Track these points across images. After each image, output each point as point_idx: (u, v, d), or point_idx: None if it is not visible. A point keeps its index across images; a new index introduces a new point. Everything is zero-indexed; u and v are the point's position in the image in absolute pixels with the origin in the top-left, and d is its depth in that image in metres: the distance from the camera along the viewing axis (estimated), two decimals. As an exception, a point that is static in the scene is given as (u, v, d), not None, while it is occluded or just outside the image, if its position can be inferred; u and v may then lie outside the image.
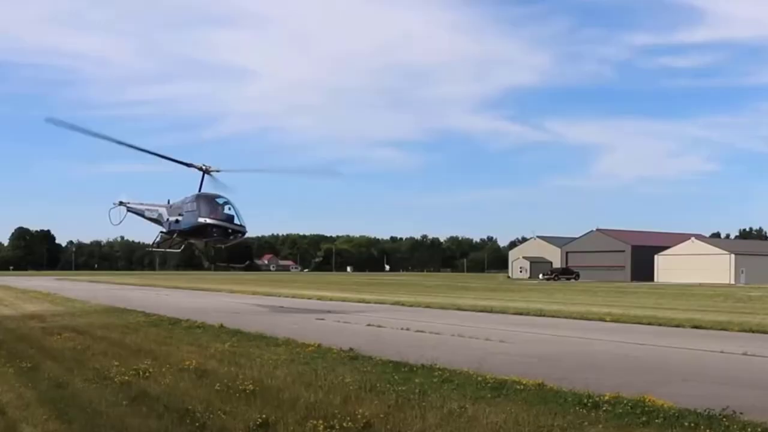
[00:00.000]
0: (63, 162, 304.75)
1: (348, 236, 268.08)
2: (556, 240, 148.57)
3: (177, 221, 31.66)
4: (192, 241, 32.91)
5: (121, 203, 36.32)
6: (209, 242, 31.99)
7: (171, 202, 33.28)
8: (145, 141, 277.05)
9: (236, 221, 30.29)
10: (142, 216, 35.29)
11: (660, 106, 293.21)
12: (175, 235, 32.42)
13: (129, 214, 36.22)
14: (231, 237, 30.52)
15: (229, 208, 30.42)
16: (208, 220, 29.93)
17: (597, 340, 20.22)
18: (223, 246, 32.06)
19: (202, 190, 31.27)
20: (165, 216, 32.93)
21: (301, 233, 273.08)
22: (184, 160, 31.89)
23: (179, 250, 34.86)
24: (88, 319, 26.29)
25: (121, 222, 36.53)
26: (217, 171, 31.41)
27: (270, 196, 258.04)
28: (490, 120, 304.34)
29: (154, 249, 36.08)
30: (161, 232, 33.50)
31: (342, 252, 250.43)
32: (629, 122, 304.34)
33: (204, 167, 31.29)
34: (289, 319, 27.36)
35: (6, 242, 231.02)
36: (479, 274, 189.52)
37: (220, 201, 30.58)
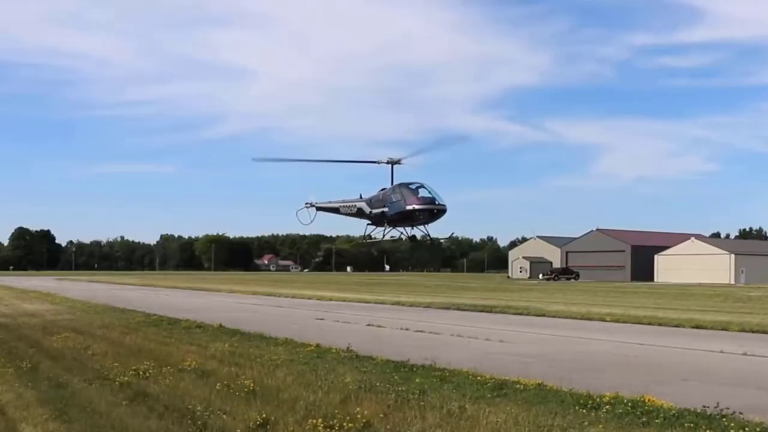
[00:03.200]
0: (63, 162, 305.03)
1: (348, 236, 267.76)
2: (556, 240, 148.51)
3: (383, 212, 34.54)
4: (399, 226, 35.24)
5: (311, 204, 38.80)
6: (416, 224, 34.61)
7: (364, 197, 36.23)
8: (145, 141, 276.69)
9: (437, 201, 33.09)
10: (337, 212, 38.03)
11: (660, 106, 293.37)
12: (384, 224, 35.11)
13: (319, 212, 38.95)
14: (436, 216, 33.39)
15: (428, 191, 33.24)
16: (416, 206, 32.87)
17: (597, 340, 20.22)
18: (426, 225, 34.76)
19: (394, 180, 34.29)
20: (367, 209, 35.66)
21: (301, 233, 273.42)
22: (369, 159, 35.51)
23: (396, 238, 36.89)
24: (88, 319, 26.30)
25: (312, 222, 39.19)
26: (400, 161, 34.31)
27: (270, 196, 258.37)
28: (490, 120, 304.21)
29: (367, 241, 37.86)
30: (368, 224, 36.16)
31: (342, 252, 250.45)
32: (629, 122, 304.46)
33: (390, 160, 34.21)
34: (289, 319, 27.36)
35: (6, 242, 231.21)
36: (479, 274, 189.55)
37: (418, 186, 33.51)
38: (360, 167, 39.12)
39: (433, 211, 33.11)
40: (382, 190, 34.94)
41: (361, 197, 36.42)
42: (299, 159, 39.04)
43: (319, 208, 38.59)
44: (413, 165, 35.18)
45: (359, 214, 36.47)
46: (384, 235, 36.07)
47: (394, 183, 34.30)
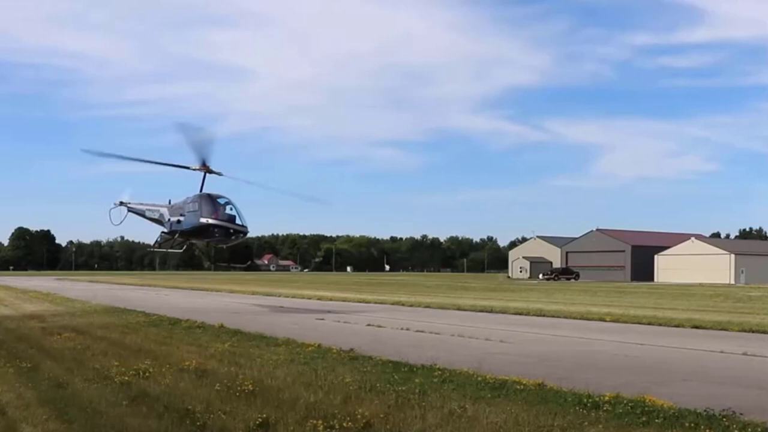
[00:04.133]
0: (63, 162, 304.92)
1: (348, 236, 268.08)
2: (556, 240, 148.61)
3: (179, 221, 31.70)
4: (193, 241, 32.94)
5: (121, 203, 36.37)
6: (211, 242, 32.14)
7: (172, 203, 33.37)
8: (145, 141, 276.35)
9: (238, 221, 30.35)
10: (143, 216, 35.39)
11: (660, 106, 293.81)
12: (176, 235, 32.48)
13: (130, 214, 36.28)
14: (233, 237, 30.60)
15: (231, 209, 30.46)
16: (210, 221, 29.98)
17: (597, 340, 20.22)
18: (224, 246, 32.28)
19: (203, 190, 31.28)
20: (166, 216, 33.01)
21: (301, 233, 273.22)
22: (182, 163, 31.87)
23: (181, 251, 34.90)
24: (88, 319, 26.28)
25: (121, 222, 36.63)
26: (219, 174, 31.53)
27: (270, 196, 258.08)
28: (490, 120, 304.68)
29: (155, 249, 36.21)
30: (163, 232, 33.59)
31: (342, 252, 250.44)
32: (629, 122, 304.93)
33: (205, 167, 31.24)
34: (288, 319, 27.35)
35: (6, 242, 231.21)
36: (479, 274, 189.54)
37: (222, 201, 30.63)
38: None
39: (230, 230, 30.09)
40: (187, 197, 31.93)
41: (169, 202, 33.53)
42: (132, 158, 33.43)
43: (129, 209, 35.95)
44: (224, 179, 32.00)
45: (160, 220, 33.66)
46: (172, 246, 33.70)
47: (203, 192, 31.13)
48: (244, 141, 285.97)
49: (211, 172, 31.31)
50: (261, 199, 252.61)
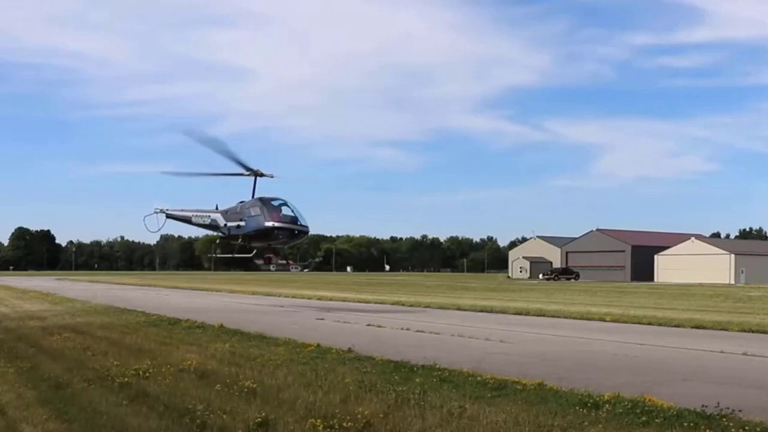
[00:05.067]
0: (63, 162, 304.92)
1: (348, 236, 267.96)
2: (556, 240, 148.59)
3: (239, 226, 32.43)
4: (256, 244, 33.39)
5: (160, 211, 36.80)
6: (273, 244, 32.82)
7: (220, 208, 34.04)
8: (145, 141, 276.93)
9: (300, 222, 31.28)
10: (188, 222, 35.90)
11: (660, 106, 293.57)
12: (239, 239, 33.16)
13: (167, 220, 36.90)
14: (296, 237, 31.70)
15: (290, 209, 31.38)
16: (275, 224, 30.94)
17: (597, 340, 20.22)
18: (286, 246, 33.37)
19: (256, 194, 32.28)
20: (221, 221, 33.60)
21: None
22: (234, 171, 32.73)
23: (250, 255, 34.93)
24: (88, 319, 26.29)
25: (159, 229, 37.37)
26: (271, 176, 32.73)
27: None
28: (490, 120, 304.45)
29: (217, 255, 37.04)
30: (220, 237, 34.35)
31: (342, 252, 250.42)
32: (629, 122, 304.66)
33: (256, 171, 32.34)
34: (288, 319, 27.36)
35: (6, 242, 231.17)
36: (479, 274, 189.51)
37: (281, 203, 31.58)
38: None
39: (294, 231, 31.24)
40: (241, 202, 32.88)
41: (217, 208, 34.26)
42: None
43: (169, 216, 36.55)
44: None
45: (212, 226, 34.41)
46: (232, 251, 34.26)
47: (256, 197, 32.11)
48: (244, 141, 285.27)
49: (261, 175, 32.37)
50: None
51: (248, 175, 32.28)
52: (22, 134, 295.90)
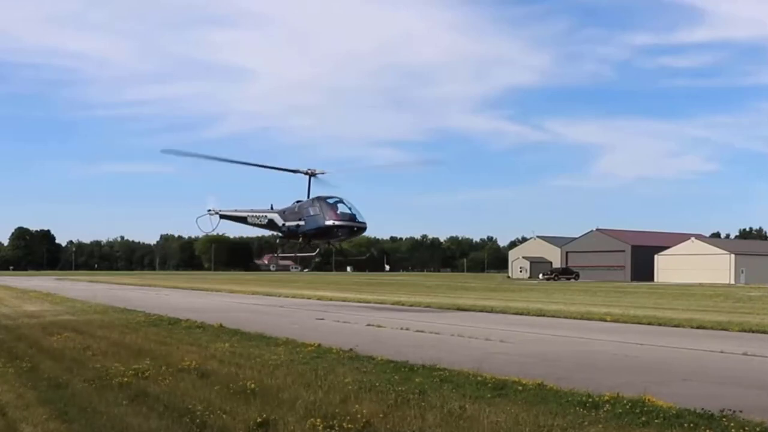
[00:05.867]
0: (63, 162, 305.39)
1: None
2: (556, 240, 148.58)
3: (298, 226, 33.22)
4: (316, 241, 34.14)
5: (214, 212, 37.48)
6: (333, 241, 33.75)
7: (275, 208, 34.93)
8: (145, 141, 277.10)
9: (357, 218, 32.04)
10: (243, 222, 36.68)
11: (660, 106, 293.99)
12: (299, 239, 33.98)
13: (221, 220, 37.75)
14: (355, 234, 32.69)
15: (347, 207, 32.18)
16: (335, 222, 31.78)
17: (597, 340, 20.22)
18: (343, 242, 34.41)
19: (311, 193, 33.27)
20: (279, 221, 34.42)
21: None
22: (289, 167, 34.12)
23: (313, 254, 35.65)
24: (88, 318, 26.29)
25: (214, 229, 38.32)
26: (323, 173, 33.51)
27: (270, 196, 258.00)
28: (490, 120, 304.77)
29: (279, 255, 37.62)
30: (279, 237, 35.19)
31: (342, 252, 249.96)
32: (629, 122, 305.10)
33: (309, 171, 33.22)
34: (288, 319, 27.35)
35: (6, 242, 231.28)
36: (479, 274, 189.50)
37: (337, 200, 32.41)
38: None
39: (353, 228, 32.21)
40: (298, 202, 33.62)
41: (272, 208, 35.10)
42: (214, 157, 35.43)
43: (223, 216, 37.22)
44: (329, 179, 34.04)
45: (270, 225, 35.25)
46: (299, 249, 35.02)
47: (311, 196, 33.03)
48: (244, 141, 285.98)
49: (314, 175, 33.28)
50: (261, 198, 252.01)
51: (304, 173, 33.42)
52: (22, 134, 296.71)
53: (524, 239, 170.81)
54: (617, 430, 8.84)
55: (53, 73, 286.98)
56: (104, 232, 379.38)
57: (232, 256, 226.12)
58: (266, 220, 35.25)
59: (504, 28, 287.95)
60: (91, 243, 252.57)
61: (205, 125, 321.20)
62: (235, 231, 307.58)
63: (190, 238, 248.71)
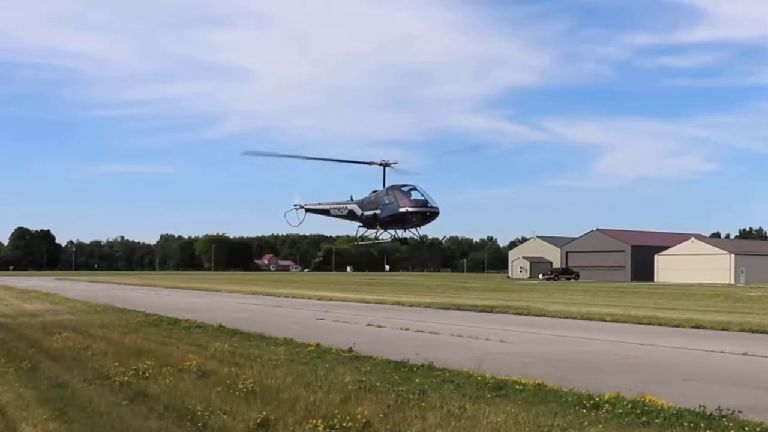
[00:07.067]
0: (63, 162, 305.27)
1: (348, 236, 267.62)
2: (556, 240, 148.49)
3: (375, 214, 34.55)
4: (392, 228, 35.31)
5: (300, 206, 38.94)
6: (408, 227, 34.72)
7: (355, 199, 36.40)
8: (145, 141, 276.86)
9: (430, 204, 33.04)
10: (327, 214, 38.20)
11: (660, 106, 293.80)
12: (377, 226, 35.35)
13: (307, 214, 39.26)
14: (429, 219, 33.43)
15: (420, 193, 33.19)
16: (408, 208, 32.82)
17: (597, 340, 20.22)
18: (418, 227, 35.17)
19: (386, 182, 34.43)
20: (358, 211, 35.77)
21: (301, 233, 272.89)
22: (364, 160, 35.43)
23: (389, 240, 36.63)
24: (88, 319, 26.29)
25: (301, 223, 39.33)
26: (395, 163, 34.67)
27: (270, 196, 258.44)
28: (490, 120, 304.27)
29: (359, 243, 38.55)
30: (359, 226, 36.41)
31: (342, 252, 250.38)
32: (629, 122, 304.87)
33: (383, 162, 34.31)
34: (288, 319, 27.36)
35: (6, 242, 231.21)
36: (479, 274, 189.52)
37: (410, 188, 33.48)
38: (354, 167, 38.68)
39: (426, 213, 33.18)
40: (374, 192, 34.97)
41: (351, 199, 36.51)
42: (293, 155, 38.19)
43: (308, 210, 38.75)
44: (406, 167, 35.43)
45: (350, 216, 36.62)
46: (376, 237, 36.42)
47: (386, 185, 34.39)
48: (244, 141, 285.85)
49: (388, 165, 34.47)
50: (261, 198, 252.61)
51: (378, 164, 34.60)
52: (22, 134, 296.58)
53: (524, 239, 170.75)
54: (617, 430, 8.84)
55: (53, 73, 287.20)
56: (104, 232, 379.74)
57: (232, 256, 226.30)
58: (347, 211, 36.72)
59: (504, 28, 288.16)
60: (91, 243, 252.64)
61: (205, 125, 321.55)
62: (234, 231, 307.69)
63: (190, 238, 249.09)
